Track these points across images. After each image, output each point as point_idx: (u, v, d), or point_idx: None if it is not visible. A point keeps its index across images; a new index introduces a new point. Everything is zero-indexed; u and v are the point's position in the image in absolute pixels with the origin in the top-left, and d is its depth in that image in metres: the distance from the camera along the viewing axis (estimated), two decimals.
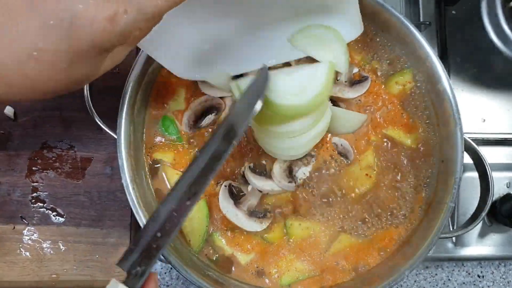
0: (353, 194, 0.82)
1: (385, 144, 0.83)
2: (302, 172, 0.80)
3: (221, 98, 0.82)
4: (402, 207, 0.82)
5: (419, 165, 0.83)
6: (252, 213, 0.79)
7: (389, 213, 0.82)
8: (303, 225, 0.80)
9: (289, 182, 0.78)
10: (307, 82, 0.67)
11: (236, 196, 0.80)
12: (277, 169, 0.78)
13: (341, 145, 0.81)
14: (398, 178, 0.83)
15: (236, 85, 0.77)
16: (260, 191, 0.80)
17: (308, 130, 0.71)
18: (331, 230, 0.81)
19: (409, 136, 0.83)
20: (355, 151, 0.82)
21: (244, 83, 0.76)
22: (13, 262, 0.97)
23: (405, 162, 0.83)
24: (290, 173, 0.79)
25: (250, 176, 0.79)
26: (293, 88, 0.67)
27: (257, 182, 0.79)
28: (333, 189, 0.82)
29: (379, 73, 0.85)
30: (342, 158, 0.82)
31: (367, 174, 0.82)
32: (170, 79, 0.84)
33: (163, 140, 0.83)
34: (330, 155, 0.82)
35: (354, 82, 0.83)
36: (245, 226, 0.78)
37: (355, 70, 0.84)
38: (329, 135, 0.82)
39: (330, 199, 0.82)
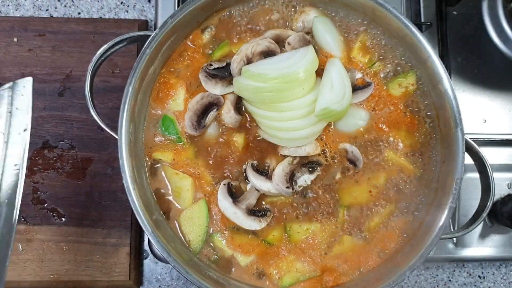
0: (353, 201, 0.82)
1: (399, 173, 0.83)
2: (304, 180, 0.80)
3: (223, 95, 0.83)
4: (402, 209, 0.82)
5: (420, 167, 0.83)
6: (251, 212, 0.79)
7: (389, 215, 0.82)
8: (302, 227, 0.80)
9: (287, 187, 0.78)
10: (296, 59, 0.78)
11: (235, 195, 0.80)
12: (279, 171, 0.78)
13: (352, 152, 0.81)
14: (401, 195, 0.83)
15: (237, 81, 0.78)
16: (258, 191, 0.80)
17: (302, 96, 0.76)
18: (331, 232, 0.81)
19: (411, 137, 0.83)
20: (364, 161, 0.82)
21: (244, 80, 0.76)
22: (14, 262, 0.97)
23: (407, 185, 0.83)
24: (291, 178, 0.78)
25: (250, 174, 0.79)
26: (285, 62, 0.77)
27: (256, 181, 0.79)
28: (335, 195, 0.82)
29: (381, 76, 0.85)
30: (350, 165, 0.82)
31: (370, 191, 0.82)
32: (170, 79, 0.84)
33: (162, 140, 0.83)
34: (340, 160, 0.82)
35: (357, 88, 0.83)
36: (244, 224, 0.78)
37: (358, 75, 0.84)
38: (341, 144, 0.82)
39: (330, 205, 0.82)
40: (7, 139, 0.67)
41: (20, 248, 0.97)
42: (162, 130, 0.83)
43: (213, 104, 0.82)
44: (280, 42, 0.84)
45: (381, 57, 0.85)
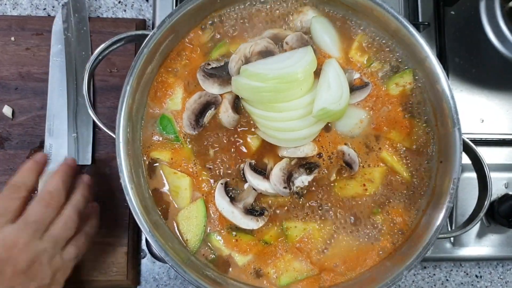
0: (349, 198, 0.82)
1: (396, 173, 0.83)
2: (301, 180, 0.80)
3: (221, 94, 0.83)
4: (399, 208, 0.82)
5: (418, 166, 0.83)
6: (248, 211, 0.79)
7: (386, 214, 0.82)
8: (299, 226, 0.80)
9: (284, 188, 0.78)
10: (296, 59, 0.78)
11: (232, 194, 0.80)
12: (277, 171, 0.78)
13: (349, 154, 0.81)
14: (396, 190, 0.83)
15: (236, 80, 0.78)
16: (255, 190, 0.80)
17: (300, 97, 0.77)
18: (328, 231, 0.81)
19: (409, 136, 0.84)
20: (361, 160, 0.82)
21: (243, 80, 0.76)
22: None
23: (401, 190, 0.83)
24: (288, 178, 0.78)
25: (248, 173, 0.79)
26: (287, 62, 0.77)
27: (253, 180, 0.79)
28: (331, 195, 0.82)
29: (379, 75, 0.85)
30: (347, 167, 0.82)
31: (366, 192, 0.82)
32: (168, 79, 0.84)
33: (160, 139, 0.83)
34: (336, 162, 0.82)
35: (355, 88, 0.83)
36: (241, 223, 0.78)
37: (356, 75, 0.84)
38: (339, 146, 0.83)
39: (327, 204, 0.82)
40: None
41: None
42: (160, 129, 0.83)
43: (211, 103, 0.82)
44: (279, 41, 0.84)
45: (379, 57, 0.85)
